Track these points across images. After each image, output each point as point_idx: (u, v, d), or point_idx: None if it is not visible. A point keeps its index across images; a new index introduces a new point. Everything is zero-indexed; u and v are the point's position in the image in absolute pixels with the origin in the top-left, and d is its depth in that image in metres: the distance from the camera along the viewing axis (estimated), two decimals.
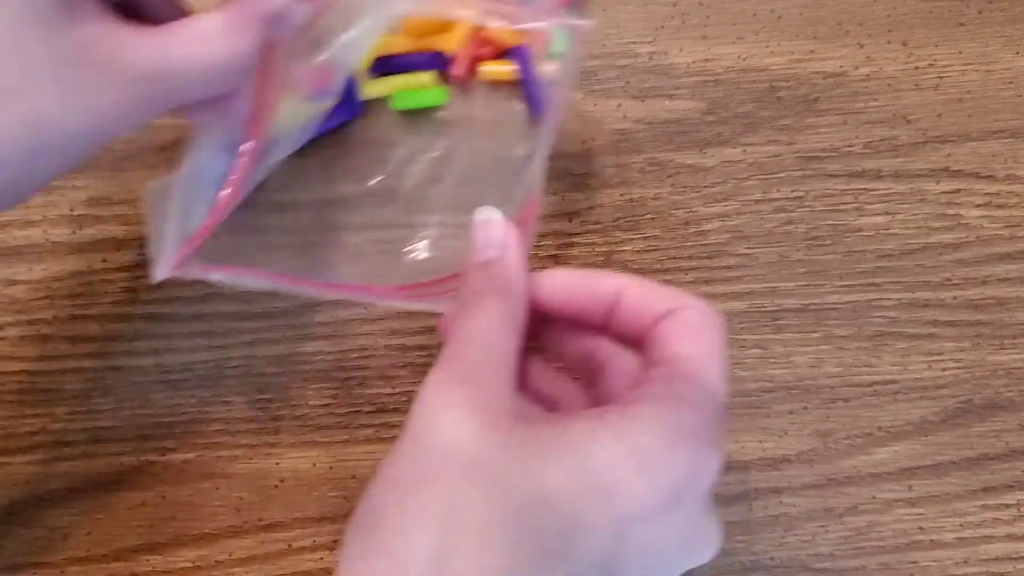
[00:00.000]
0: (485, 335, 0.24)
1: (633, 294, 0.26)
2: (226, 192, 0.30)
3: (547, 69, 0.34)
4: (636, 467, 0.22)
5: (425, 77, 0.37)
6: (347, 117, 0.36)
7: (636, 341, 0.26)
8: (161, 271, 0.29)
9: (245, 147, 0.29)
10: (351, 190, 0.37)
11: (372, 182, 0.37)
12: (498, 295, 0.25)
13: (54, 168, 0.24)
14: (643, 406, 0.23)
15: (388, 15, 0.31)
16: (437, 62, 0.37)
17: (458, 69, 0.36)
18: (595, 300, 0.26)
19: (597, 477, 0.22)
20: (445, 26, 0.36)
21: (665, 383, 0.24)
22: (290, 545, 0.37)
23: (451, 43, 0.36)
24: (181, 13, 0.27)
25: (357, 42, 0.31)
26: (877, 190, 0.37)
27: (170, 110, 0.25)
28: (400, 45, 0.37)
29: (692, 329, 0.25)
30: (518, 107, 0.37)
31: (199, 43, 0.25)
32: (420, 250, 0.36)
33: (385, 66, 0.37)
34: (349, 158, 0.37)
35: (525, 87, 0.36)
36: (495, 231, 0.27)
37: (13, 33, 0.22)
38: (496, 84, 0.37)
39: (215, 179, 0.30)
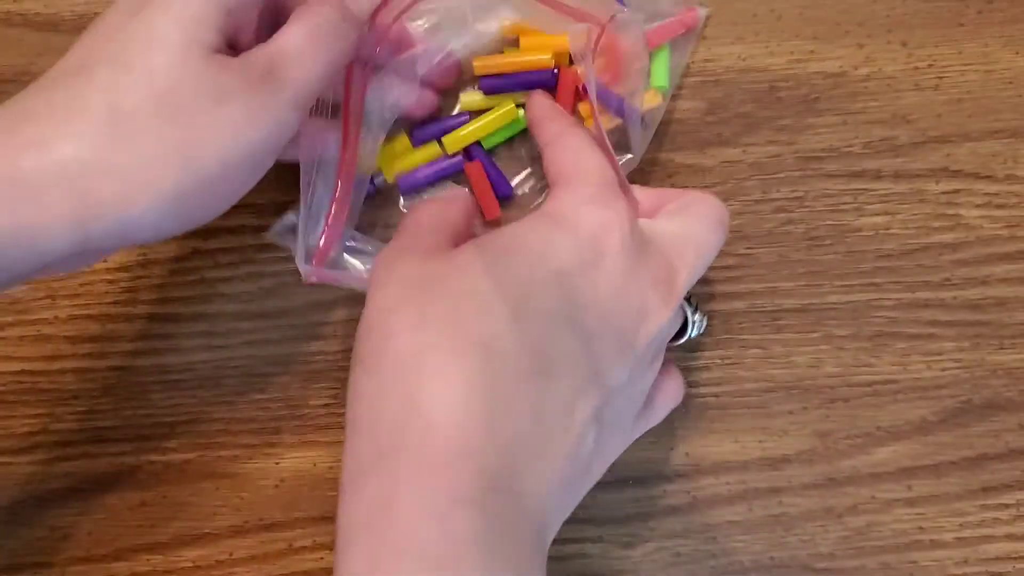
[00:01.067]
0: None
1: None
2: (332, 204, 0.34)
3: (646, 103, 0.35)
4: (553, 228, 0.28)
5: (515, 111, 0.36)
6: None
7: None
8: (305, 275, 0.33)
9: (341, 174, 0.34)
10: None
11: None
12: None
13: (241, 182, 0.28)
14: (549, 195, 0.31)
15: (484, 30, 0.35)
16: (548, 79, 0.35)
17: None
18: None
19: (524, 243, 0.28)
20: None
21: (555, 179, 0.31)
22: (290, 545, 0.37)
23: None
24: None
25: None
26: (877, 190, 0.37)
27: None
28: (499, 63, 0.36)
29: (555, 156, 0.32)
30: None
31: (291, 30, 0.28)
32: None
33: (490, 86, 0.36)
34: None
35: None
36: None
37: (198, 61, 0.26)
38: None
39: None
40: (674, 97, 0.37)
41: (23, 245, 0.24)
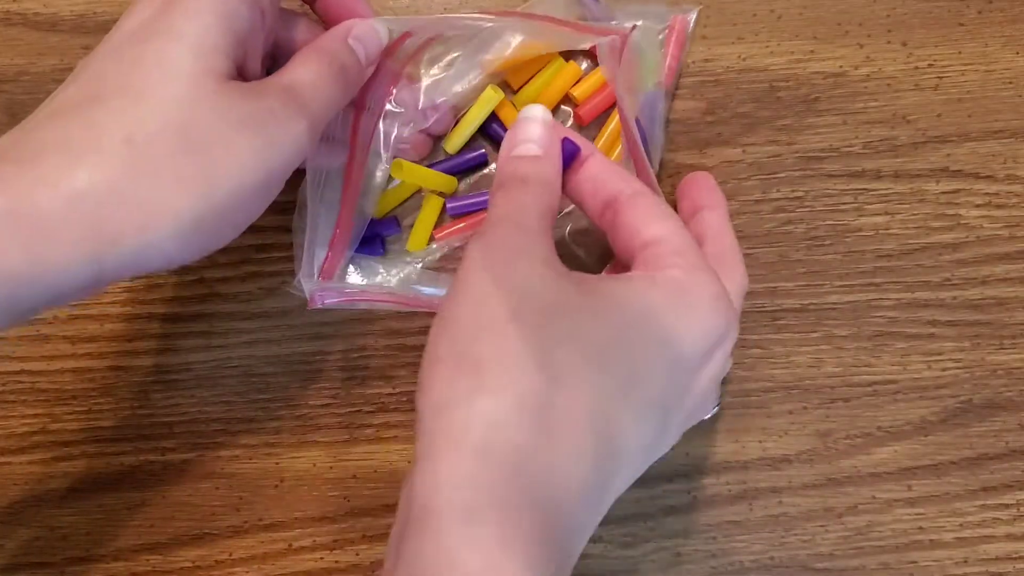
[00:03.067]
0: (534, 206, 0.28)
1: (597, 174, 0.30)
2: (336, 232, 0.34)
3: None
4: (688, 322, 0.27)
5: None
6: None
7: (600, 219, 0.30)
8: (306, 284, 0.33)
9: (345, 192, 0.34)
10: None
11: None
12: (541, 183, 0.28)
13: (255, 207, 0.28)
14: (678, 271, 0.27)
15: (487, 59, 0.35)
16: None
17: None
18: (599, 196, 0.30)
19: (656, 325, 0.26)
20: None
21: (679, 256, 0.28)
22: (290, 545, 0.37)
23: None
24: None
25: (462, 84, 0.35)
26: (877, 190, 0.37)
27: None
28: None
29: (651, 213, 0.29)
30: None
31: (305, 61, 0.29)
32: None
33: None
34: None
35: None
36: (535, 129, 0.30)
37: (215, 91, 0.26)
38: None
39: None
40: (674, 97, 0.37)
41: (38, 282, 0.24)
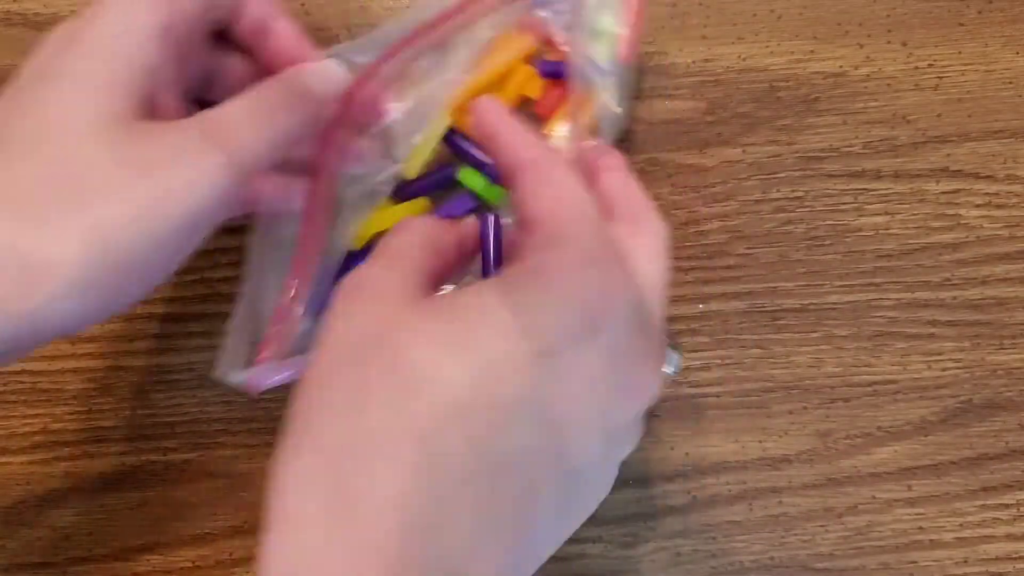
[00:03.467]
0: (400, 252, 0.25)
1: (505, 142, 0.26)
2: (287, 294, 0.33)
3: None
4: (540, 295, 0.22)
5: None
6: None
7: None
8: (232, 376, 0.31)
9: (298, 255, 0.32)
10: None
11: None
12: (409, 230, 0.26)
13: (170, 256, 0.26)
14: (526, 269, 0.23)
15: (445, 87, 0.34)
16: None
17: None
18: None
19: (498, 316, 0.22)
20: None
21: (541, 250, 0.23)
22: None
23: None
24: None
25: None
26: (877, 190, 0.37)
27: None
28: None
29: (531, 191, 0.24)
30: None
31: (236, 100, 0.27)
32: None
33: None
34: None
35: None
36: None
37: (106, 131, 0.24)
38: None
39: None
40: (674, 97, 0.37)
41: None
